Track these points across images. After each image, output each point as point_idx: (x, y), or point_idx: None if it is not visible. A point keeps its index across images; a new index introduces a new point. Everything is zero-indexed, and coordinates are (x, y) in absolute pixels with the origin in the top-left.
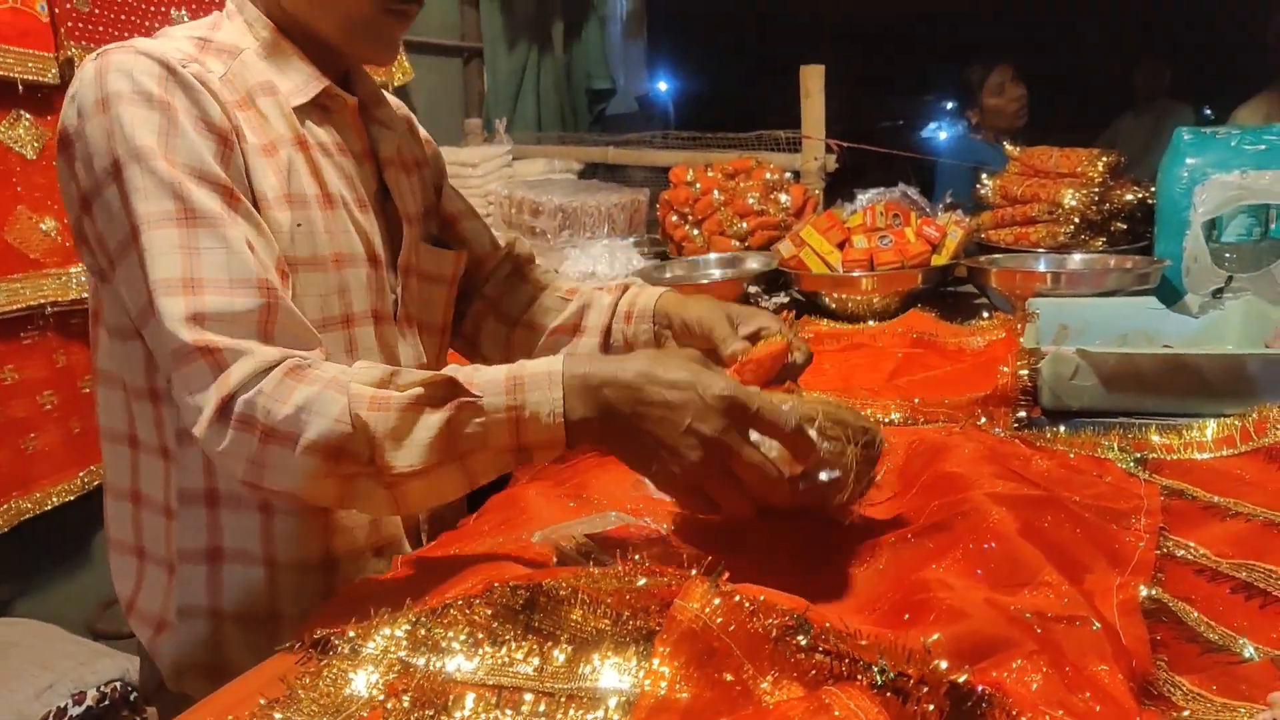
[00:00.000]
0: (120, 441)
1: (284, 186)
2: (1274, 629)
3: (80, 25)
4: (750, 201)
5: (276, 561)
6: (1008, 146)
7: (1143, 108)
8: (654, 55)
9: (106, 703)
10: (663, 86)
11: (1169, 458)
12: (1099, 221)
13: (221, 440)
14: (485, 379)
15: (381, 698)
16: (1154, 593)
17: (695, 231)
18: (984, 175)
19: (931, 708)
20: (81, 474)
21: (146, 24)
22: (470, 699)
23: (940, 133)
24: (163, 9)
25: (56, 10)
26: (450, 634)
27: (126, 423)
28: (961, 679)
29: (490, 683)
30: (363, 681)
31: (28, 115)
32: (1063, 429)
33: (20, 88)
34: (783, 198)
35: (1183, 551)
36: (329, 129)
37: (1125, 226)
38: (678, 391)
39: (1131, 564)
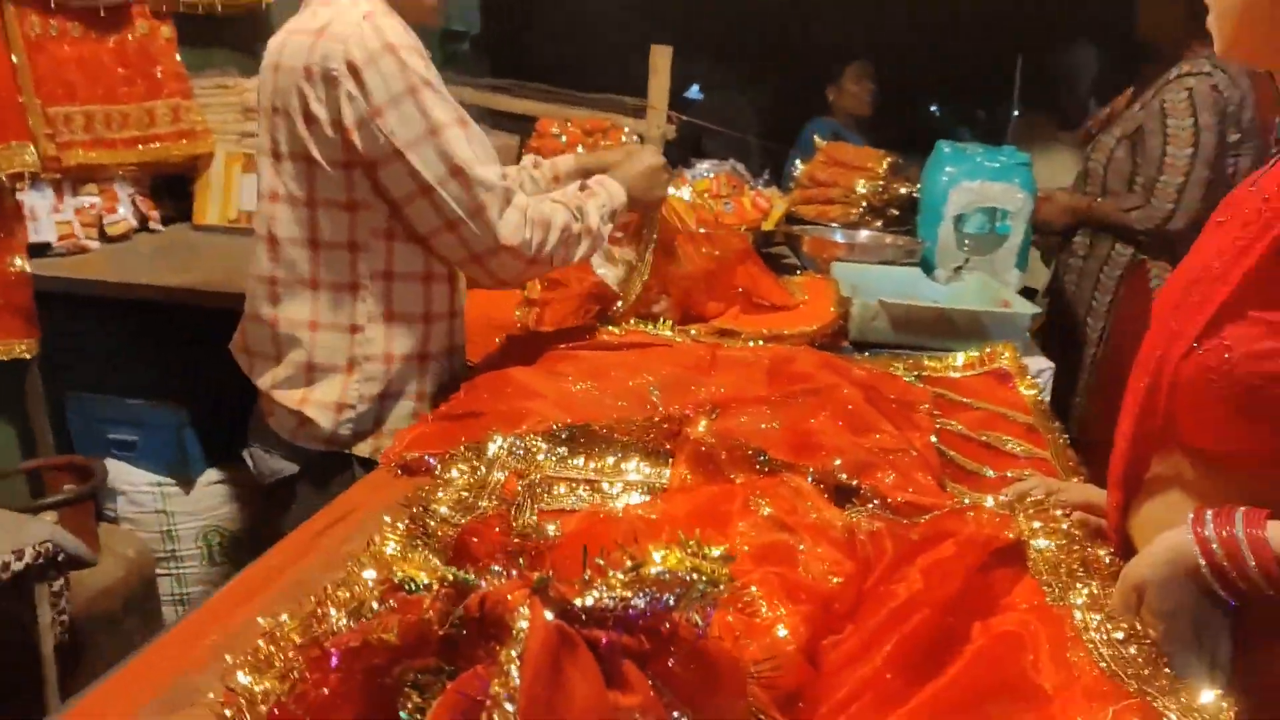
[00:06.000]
0: (333, 288)
1: None
2: (1001, 464)
3: None
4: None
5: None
6: (817, 139)
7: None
8: None
9: (41, 560)
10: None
11: (935, 375)
12: (879, 207)
13: (524, 232)
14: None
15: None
16: (935, 441)
17: None
18: (797, 160)
19: (826, 495)
20: None
21: None
22: (561, 488)
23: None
24: None
25: None
26: (531, 449)
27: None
28: (854, 482)
29: (568, 476)
30: (497, 474)
31: None
32: (867, 354)
33: None
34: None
35: (948, 426)
36: None
37: (898, 213)
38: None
39: (923, 427)
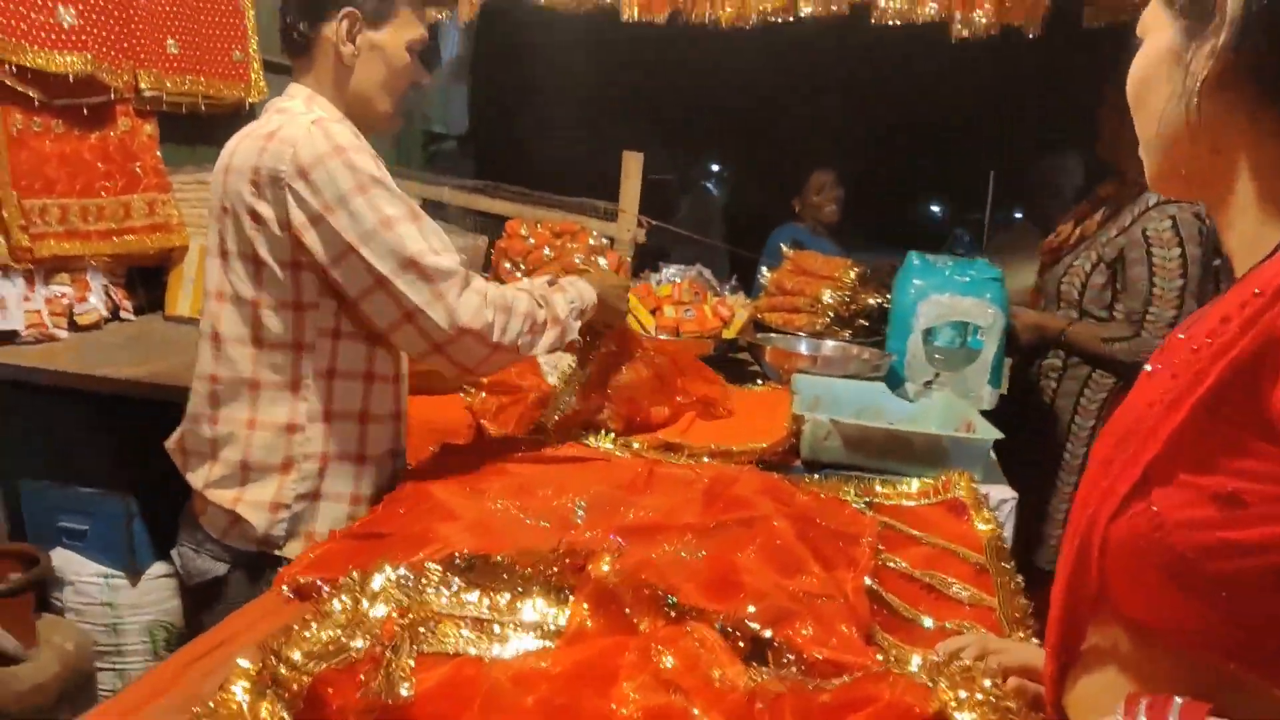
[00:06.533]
0: (274, 387)
1: None
2: (943, 612)
3: None
4: (576, 260)
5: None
6: (783, 247)
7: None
8: (474, 98)
9: None
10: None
11: (886, 502)
12: (847, 317)
13: (485, 314)
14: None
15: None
16: (872, 584)
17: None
18: (764, 268)
19: (742, 644)
20: None
21: (33, 15)
22: (447, 628)
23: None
24: (50, 3)
25: None
26: (424, 581)
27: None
28: (767, 633)
29: (458, 614)
30: (379, 608)
31: None
32: (817, 476)
33: None
34: (602, 261)
35: (891, 563)
36: None
37: (866, 324)
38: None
39: (859, 566)
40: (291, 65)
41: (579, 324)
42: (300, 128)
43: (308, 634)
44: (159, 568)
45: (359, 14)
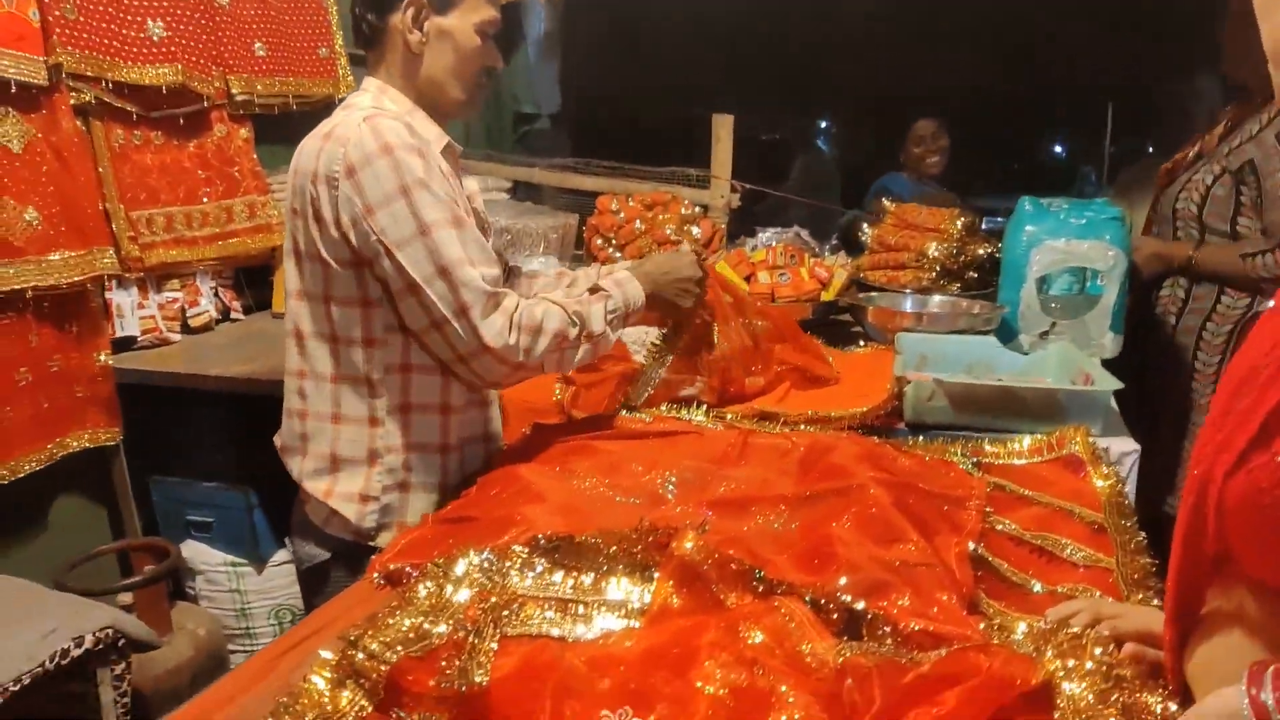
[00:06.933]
0: (352, 381)
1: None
2: (1054, 575)
3: (68, 32)
4: (668, 232)
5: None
6: (885, 202)
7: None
8: (566, 75)
9: (101, 646)
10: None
11: (996, 462)
12: (955, 270)
13: (509, 337)
14: (607, 282)
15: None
16: (977, 549)
17: (618, 255)
18: (864, 224)
19: (835, 616)
20: (50, 445)
21: (124, 32)
22: (531, 609)
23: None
24: (139, 18)
25: (48, 17)
26: (508, 564)
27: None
28: (860, 605)
29: (542, 596)
30: (463, 593)
31: (15, 112)
32: (921, 438)
33: (12, 87)
34: (694, 230)
35: (1000, 526)
36: (450, 167)
37: (976, 275)
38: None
39: (964, 531)
40: (365, 57)
41: (620, 331)
42: (352, 126)
43: (391, 621)
44: (281, 555)
45: (425, 1)
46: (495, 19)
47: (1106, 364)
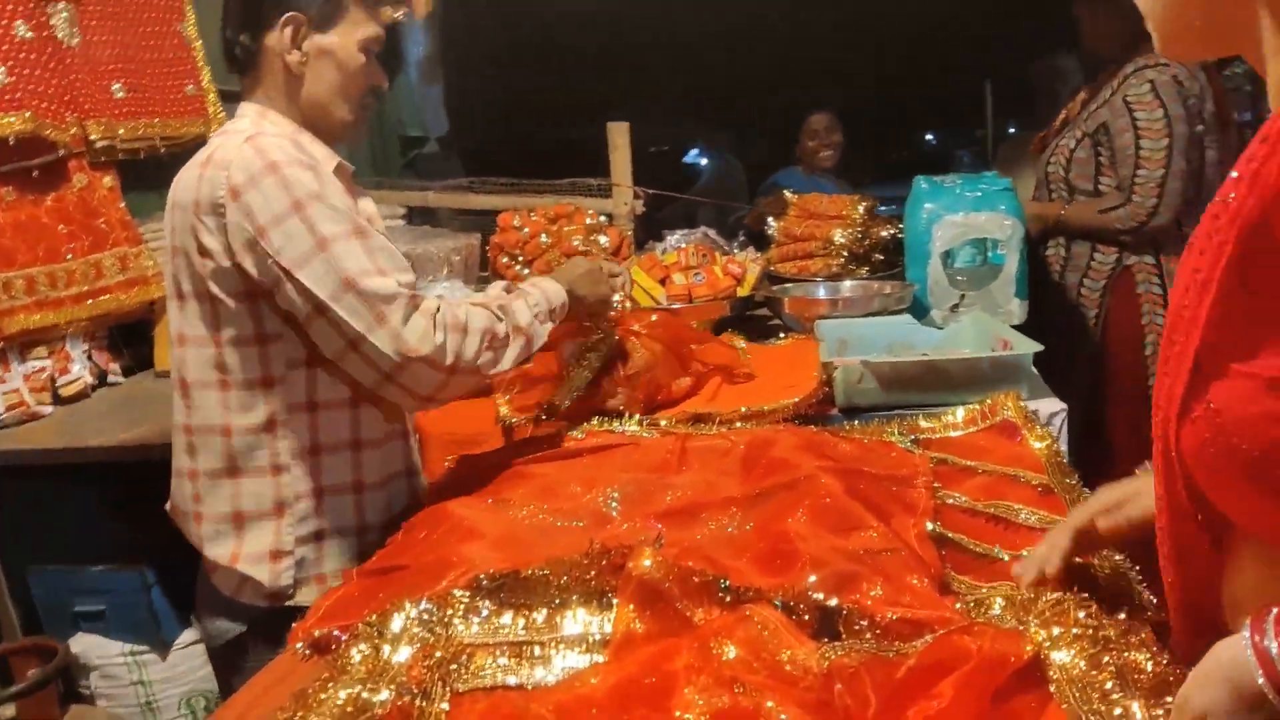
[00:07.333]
0: (248, 430)
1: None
2: (1015, 540)
3: None
4: (575, 243)
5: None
6: (787, 194)
7: None
8: (451, 96)
9: None
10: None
11: (933, 437)
12: (862, 253)
13: (435, 338)
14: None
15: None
16: (935, 527)
17: (526, 271)
18: (770, 219)
19: (807, 617)
20: None
21: None
22: (482, 659)
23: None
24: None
25: None
26: (449, 612)
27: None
28: (832, 602)
29: (492, 642)
30: (402, 652)
31: None
32: (857, 422)
33: None
34: (602, 239)
35: (951, 499)
36: (344, 186)
37: (883, 257)
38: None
39: (919, 510)
40: (241, 83)
41: (548, 326)
42: (233, 149)
43: (324, 695)
44: (188, 635)
45: (303, 18)
46: (379, 36)
47: (1015, 329)
